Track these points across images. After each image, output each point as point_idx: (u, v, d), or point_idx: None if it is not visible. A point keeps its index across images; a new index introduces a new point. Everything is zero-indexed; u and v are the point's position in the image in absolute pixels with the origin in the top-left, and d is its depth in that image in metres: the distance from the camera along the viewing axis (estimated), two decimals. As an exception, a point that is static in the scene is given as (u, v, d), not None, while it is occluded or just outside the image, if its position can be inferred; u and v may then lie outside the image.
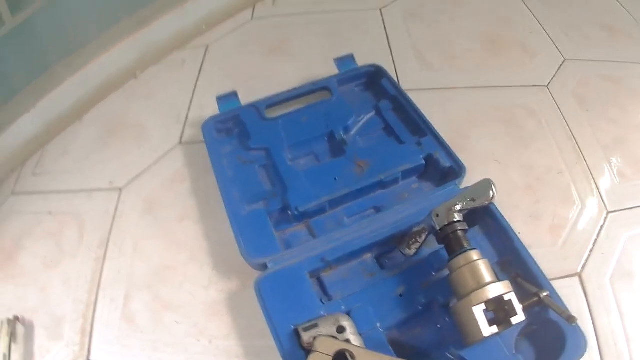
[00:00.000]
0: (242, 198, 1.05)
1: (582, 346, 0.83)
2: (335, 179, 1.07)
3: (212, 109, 1.22)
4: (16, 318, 1.00)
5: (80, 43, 1.32)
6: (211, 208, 1.13)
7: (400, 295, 0.91)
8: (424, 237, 0.94)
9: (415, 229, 0.95)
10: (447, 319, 0.87)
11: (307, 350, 0.81)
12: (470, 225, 0.92)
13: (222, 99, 1.23)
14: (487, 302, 0.78)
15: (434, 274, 0.93)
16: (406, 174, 1.08)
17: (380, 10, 1.55)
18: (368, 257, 0.99)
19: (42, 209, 1.19)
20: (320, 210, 1.04)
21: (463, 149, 1.10)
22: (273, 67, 1.43)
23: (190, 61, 1.48)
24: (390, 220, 0.99)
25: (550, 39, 1.44)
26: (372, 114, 1.21)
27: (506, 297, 0.78)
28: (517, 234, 0.95)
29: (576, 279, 0.99)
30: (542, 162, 1.17)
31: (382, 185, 1.07)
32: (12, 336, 0.96)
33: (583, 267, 1.00)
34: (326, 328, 0.83)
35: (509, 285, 0.81)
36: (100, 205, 1.18)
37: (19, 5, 1.11)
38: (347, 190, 1.04)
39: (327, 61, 1.32)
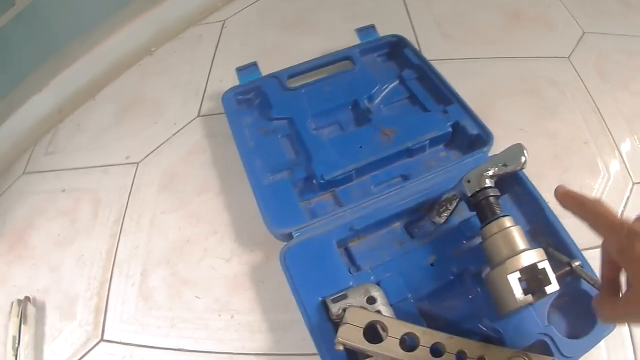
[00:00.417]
0: (265, 168, 1.01)
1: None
2: (360, 147, 1.03)
3: (231, 82, 1.18)
4: (27, 299, 0.97)
5: (94, 21, 1.29)
6: (232, 179, 1.10)
7: (431, 265, 0.87)
8: (454, 204, 0.90)
9: (446, 196, 0.92)
10: (479, 289, 0.84)
11: (336, 323, 0.77)
12: (499, 193, 0.87)
13: (242, 70, 1.19)
14: (521, 271, 0.74)
15: (465, 242, 0.89)
16: (433, 142, 1.04)
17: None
18: (397, 225, 0.95)
19: (56, 187, 1.17)
20: (347, 179, 1.00)
21: (487, 118, 1.05)
22: (292, 40, 1.40)
23: (206, 36, 1.45)
24: (419, 188, 0.95)
25: (569, 12, 1.40)
26: (396, 82, 1.17)
27: (540, 266, 0.74)
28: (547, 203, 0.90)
29: None
30: (567, 132, 1.13)
31: (409, 153, 1.03)
32: (23, 317, 0.93)
33: None
34: (356, 299, 0.79)
35: (543, 253, 0.76)
36: (116, 180, 1.15)
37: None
38: (374, 158, 1.00)
39: (347, 34, 1.29)
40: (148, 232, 1.06)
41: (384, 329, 0.73)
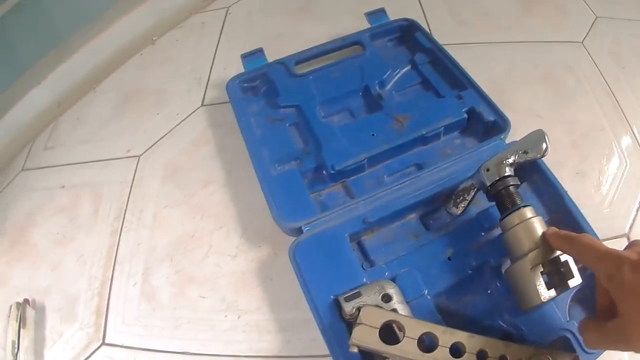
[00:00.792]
0: (273, 158, 0.97)
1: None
2: (373, 134, 0.99)
3: (235, 70, 1.15)
4: (26, 301, 0.94)
5: (94, 13, 1.26)
6: (238, 171, 1.07)
7: (449, 259, 0.84)
8: (472, 194, 0.86)
9: (463, 186, 0.88)
10: (498, 283, 0.81)
11: (349, 323, 0.74)
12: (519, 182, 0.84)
13: (247, 57, 1.15)
14: (544, 264, 0.71)
15: (483, 234, 0.86)
16: (448, 129, 1.01)
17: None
18: (412, 217, 0.91)
19: (55, 184, 1.13)
20: (358, 169, 0.96)
21: (503, 104, 1.02)
22: (299, 26, 1.36)
23: (210, 24, 1.42)
24: (435, 177, 0.91)
25: (581, -3, 1.37)
26: (408, 67, 1.14)
27: (563, 258, 0.71)
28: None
29: (624, 240, 0.94)
30: (584, 119, 1.11)
31: (423, 141, 1.00)
32: (22, 321, 0.90)
33: (630, 227, 0.95)
34: (370, 297, 0.75)
35: None
36: (117, 174, 1.12)
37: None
38: (387, 146, 0.96)
39: (356, 19, 1.26)
40: (150, 228, 1.02)
41: (401, 329, 0.70)
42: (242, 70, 1.14)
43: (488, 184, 0.81)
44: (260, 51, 1.16)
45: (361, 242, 0.88)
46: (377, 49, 1.17)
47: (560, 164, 1.02)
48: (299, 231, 0.87)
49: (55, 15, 1.17)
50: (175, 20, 1.43)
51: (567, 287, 0.70)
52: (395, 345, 0.68)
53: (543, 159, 0.84)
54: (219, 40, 1.36)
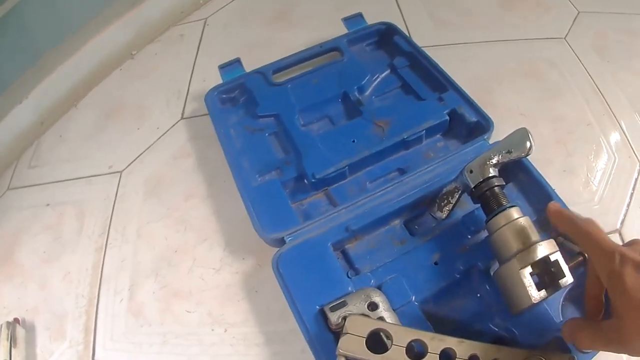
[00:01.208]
0: (253, 168, 0.97)
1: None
2: (353, 141, 0.98)
3: (214, 81, 1.14)
4: (16, 320, 0.93)
5: (72, 28, 1.26)
6: (219, 183, 1.06)
7: (435, 264, 0.83)
8: (456, 196, 0.86)
9: (447, 189, 0.87)
10: (487, 286, 0.79)
11: (336, 333, 0.73)
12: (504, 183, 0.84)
13: (224, 68, 1.15)
14: (533, 265, 0.70)
15: (470, 237, 0.85)
16: (430, 132, 1.00)
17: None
18: (396, 223, 0.90)
19: (40, 202, 1.13)
20: (340, 176, 0.95)
21: (486, 104, 1.02)
22: (277, 35, 1.36)
23: (188, 36, 1.41)
24: (418, 181, 0.91)
25: (562, -8, 1.37)
26: (387, 72, 1.13)
27: (552, 258, 0.70)
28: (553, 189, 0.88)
29: (617, 235, 0.93)
30: (569, 115, 1.10)
31: (405, 145, 0.99)
32: (13, 340, 0.90)
33: (622, 222, 0.95)
34: (356, 306, 0.74)
35: (555, 244, 0.72)
36: (100, 191, 1.11)
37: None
38: (368, 152, 0.95)
39: (333, 24, 1.25)
40: (134, 244, 1.01)
41: (389, 337, 0.69)
42: (220, 81, 1.13)
43: (472, 185, 0.81)
44: (237, 61, 1.16)
45: (345, 251, 0.87)
46: (356, 54, 1.17)
47: (546, 162, 1.01)
48: (281, 242, 0.86)
49: (34, 31, 1.17)
50: (153, 33, 1.42)
51: (559, 287, 0.69)
52: (384, 354, 0.67)
53: (528, 157, 0.84)
54: (197, 52, 1.36)
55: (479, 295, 0.81)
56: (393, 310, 0.76)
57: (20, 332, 0.92)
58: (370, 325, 0.70)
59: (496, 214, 0.76)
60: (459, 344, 0.69)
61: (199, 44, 1.38)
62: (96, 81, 1.34)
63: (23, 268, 1.03)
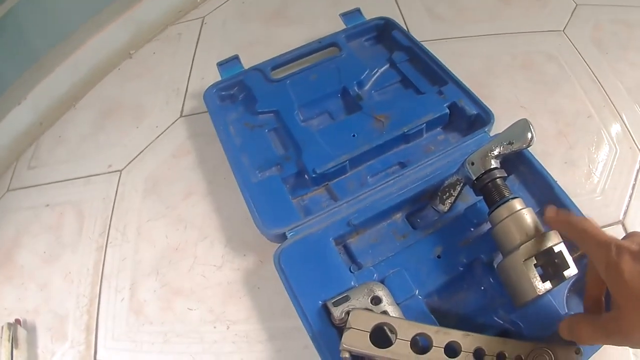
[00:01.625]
0: (253, 165, 0.97)
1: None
2: (353, 135, 0.98)
3: (213, 79, 1.14)
4: (17, 321, 0.93)
5: (70, 29, 1.25)
6: (219, 180, 1.06)
7: (438, 257, 0.83)
8: (458, 189, 0.85)
9: (448, 182, 0.87)
10: (491, 279, 0.80)
11: (339, 328, 0.73)
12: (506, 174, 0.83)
13: (223, 65, 1.15)
14: (537, 256, 0.69)
15: (472, 229, 0.85)
16: (430, 125, 1.00)
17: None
18: (398, 217, 0.90)
19: (39, 203, 1.12)
20: (340, 171, 0.95)
21: (486, 97, 1.02)
22: (275, 32, 1.36)
23: (186, 34, 1.41)
24: (419, 174, 0.90)
25: (559, -16, 1.37)
26: (386, 66, 1.13)
27: (556, 249, 0.70)
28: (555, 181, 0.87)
29: (619, 226, 0.93)
30: (569, 107, 1.10)
31: (405, 139, 0.99)
32: (14, 341, 0.89)
33: (625, 213, 0.95)
34: (359, 300, 0.74)
35: (558, 235, 0.72)
36: (100, 191, 1.11)
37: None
38: (368, 146, 0.95)
39: (331, 21, 1.26)
40: (135, 243, 1.01)
41: (393, 331, 0.68)
42: (219, 78, 1.13)
43: (474, 177, 0.80)
44: (236, 58, 1.15)
45: (347, 245, 0.87)
46: (354, 49, 1.16)
47: (547, 154, 1.01)
48: (283, 237, 0.86)
49: (32, 32, 1.16)
50: (151, 32, 1.42)
51: (563, 278, 0.69)
52: (388, 349, 0.67)
53: (529, 149, 0.83)
54: (195, 50, 1.35)
55: (482, 288, 0.81)
56: (397, 304, 0.75)
57: (21, 333, 0.92)
58: (374, 319, 0.69)
59: (499, 206, 0.76)
60: (464, 337, 0.68)
61: (197, 42, 1.38)
62: (95, 81, 1.34)
63: (23, 269, 1.02)
